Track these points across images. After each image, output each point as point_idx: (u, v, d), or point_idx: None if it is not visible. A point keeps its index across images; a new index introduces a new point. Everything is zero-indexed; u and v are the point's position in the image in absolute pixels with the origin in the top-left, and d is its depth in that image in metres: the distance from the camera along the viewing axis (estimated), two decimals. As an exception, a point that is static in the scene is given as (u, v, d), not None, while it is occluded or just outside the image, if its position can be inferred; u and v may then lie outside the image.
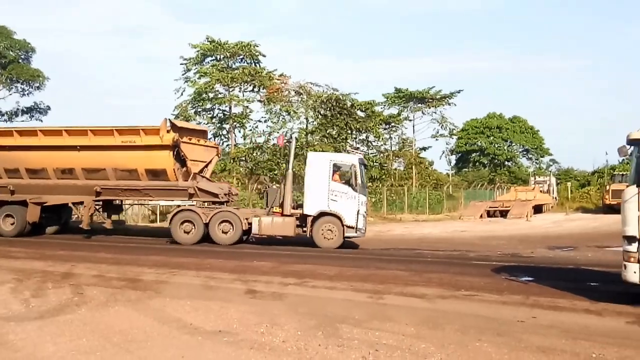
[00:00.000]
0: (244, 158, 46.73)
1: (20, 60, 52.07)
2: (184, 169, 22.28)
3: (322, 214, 21.00)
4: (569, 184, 59.77)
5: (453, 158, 77.18)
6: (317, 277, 13.87)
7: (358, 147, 45.31)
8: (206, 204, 22.83)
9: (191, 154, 22.54)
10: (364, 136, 49.50)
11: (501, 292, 12.07)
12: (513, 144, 73.91)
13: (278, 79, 47.65)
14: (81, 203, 23.28)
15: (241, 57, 48.69)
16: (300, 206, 21.63)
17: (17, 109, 53.07)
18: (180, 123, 23.98)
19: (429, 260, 18.16)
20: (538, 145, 75.19)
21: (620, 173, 45.11)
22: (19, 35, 52.33)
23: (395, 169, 52.06)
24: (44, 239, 23.20)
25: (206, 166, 23.86)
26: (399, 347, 7.82)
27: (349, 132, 46.43)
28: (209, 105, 48.61)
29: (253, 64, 48.77)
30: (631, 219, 10.46)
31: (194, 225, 21.30)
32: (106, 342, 8.10)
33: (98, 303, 10.59)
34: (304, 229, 21.33)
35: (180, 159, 22.11)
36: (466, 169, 79.02)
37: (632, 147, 10.61)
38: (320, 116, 45.67)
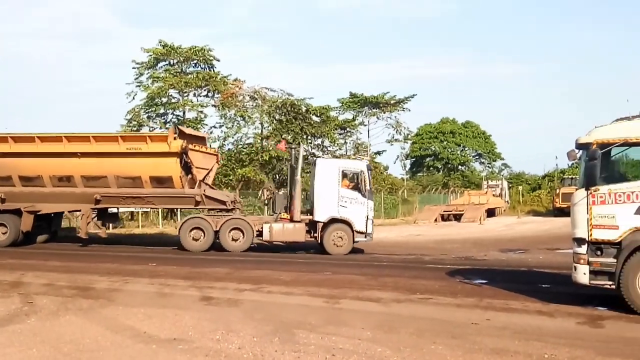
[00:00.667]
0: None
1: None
2: (189, 176, 21.88)
3: (333, 220, 21.07)
4: (520, 187, 60.95)
5: (407, 162, 78.08)
6: (273, 283, 13.82)
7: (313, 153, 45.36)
8: (211, 212, 22.64)
9: (196, 161, 22.19)
10: (319, 141, 49.63)
11: (455, 295, 12.23)
12: (466, 149, 75.09)
13: (232, 84, 47.39)
14: (78, 211, 22.83)
15: (195, 61, 48.27)
16: (309, 212, 21.67)
17: None
18: (186, 130, 23.49)
19: (384, 264, 18.29)
20: (490, 150, 76.53)
21: (570, 177, 46.15)
22: None
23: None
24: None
25: (208, 173, 23.45)
26: (355, 352, 7.85)
27: (304, 137, 46.52)
28: (162, 110, 48.05)
29: (207, 69, 48.41)
30: (580, 222, 10.70)
31: (204, 233, 21.04)
32: (57, 353, 7.95)
33: (48, 312, 10.37)
34: (314, 234, 21.39)
35: (186, 167, 21.71)
36: (420, 174, 79.99)
37: (581, 151, 10.85)
38: (275, 121, 45.66)
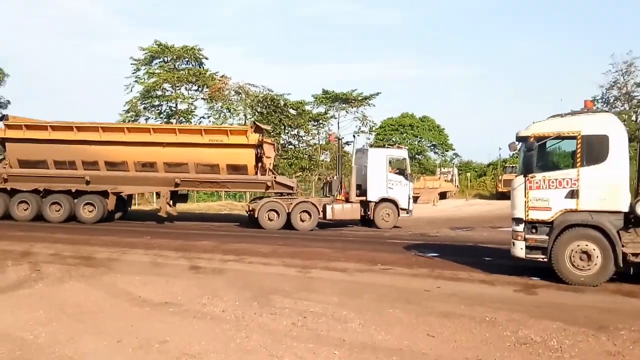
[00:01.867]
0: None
1: (-21, 60, 50.06)
2: (260, 164, 22.08)
3: (382, 200, 22.09)
4: (468, 174, 61.21)
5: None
6: (253, 255, 13.83)
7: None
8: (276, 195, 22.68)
9: (265, 152, 22.53)
10: (295, 131, 49.48)
11: (411, 266, 12.35)
12: (422, 140, 75.08)
13: (219, 80, 47.13)
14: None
15: (186, 59, 48.03)
16: (361, 194, 22.45)
17: None
18: (261, 125, 23.64)
19: (350, 239, 18.37)
20: (443, 141, 76.66)
21: (511, 165, 46.46)
22: None
23: (323, 161, 52.19)
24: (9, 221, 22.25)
25: (271, 161, 23.72)
26: (324, 314, 7.90)
27: (282, 127, 46.42)
28: (157, 102, 47.73)
29: (197, 66, 48.18)
30: (519, 204, 10.86)
31: (278, 214, 21.27)
32: (61, 314, 7.90)
33: (54, 279, 10.29)
34: (367, 212, 22.20)
35: (257, 156, 21.90)
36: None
37: (520, 143, 10.97)
38: (257, 113, 45.44)
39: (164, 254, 13.72)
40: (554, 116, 10.91)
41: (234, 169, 21.87)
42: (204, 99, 47.73)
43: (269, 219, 21.23)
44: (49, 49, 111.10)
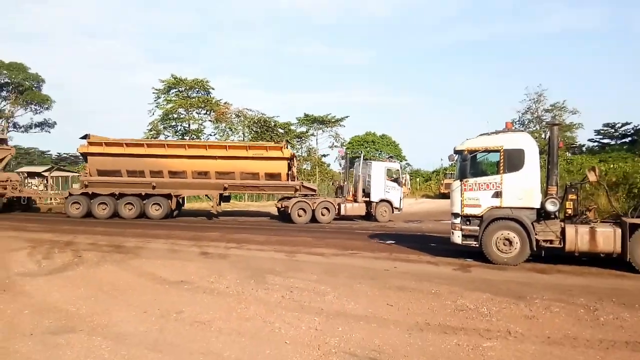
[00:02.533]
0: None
1: (33, 88, 49.73)
2: (289, 172, 22.46)
3: (382, 200, 22.57)
4: (417, 179, 61.53)
5: (343, 162, 77.84)
6: (251, 243, 13.75)
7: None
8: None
9: (293, 162, 23.16)
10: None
11: (374, 251, 12.39)
12: (382, 152, 75.43)
13: (223, 105, 47.06)
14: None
15: (197, 89, 47.92)
16: (365, 196, 22.89)
17: (31, 123, 51.00)
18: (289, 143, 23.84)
19: (327, 230, 18.36)
20: (398, 154, 77.00)
21: (450, 172, 46.83)
22: (32, 69, 50.29)
23: (304, 169, 52.14)
24: (53, 217, 21.79)
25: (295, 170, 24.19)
26: (307, 289, 7.90)
27: (274, 144, 46.42)
28: (173, 123, 47.60)
29: (205, 94, 48.13)
30: (456, 202, 10.97)
31: (305, 211, 21.45)
32: (98, 291, 7.80)
33: (92, 263, 10.13)
34: (369, 209, 22.66)
35: (289, 166, 22.39)
36: (352, 169, 79.84)
37: (457, 155, 11.07)
38: (253, 132, 45.41)
39: (180, 242, 13.59)
40: (482, 134, 11.05)
41: (270, 176, 22.20)
42: (211, 121, 47.70)
43: (298, 215, 21.46)
44: (86, 79, 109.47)
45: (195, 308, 6.80)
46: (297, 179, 23.85)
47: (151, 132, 46.11)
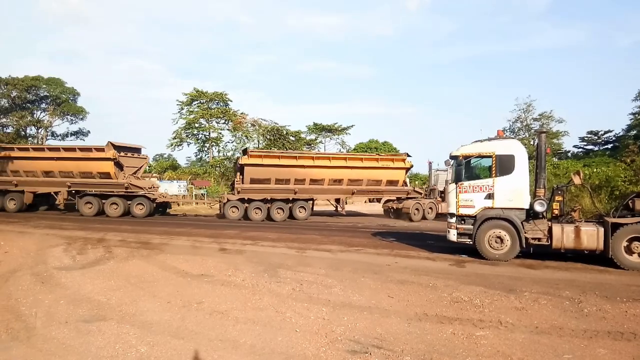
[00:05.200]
0: (218, 165, 45.92)
1: (69, 101, 50.37)
2: (404, 179, 23.88)
3: None
4: (416, 182, 61.27)
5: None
6: (264, 240, 13.75)
7: None
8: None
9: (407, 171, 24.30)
10: (294, 153, 49.54)
11: (377, 248, 12.33)
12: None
13: (240, 116, 47.27)
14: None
15: (216, 101, 48.28)
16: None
17: (67, 132, 52.07)
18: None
19: (333, 228, 18.33)
20: (399, 159, 77.23)
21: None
22: (69, 84, 51.07)
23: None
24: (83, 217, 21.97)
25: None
26: (315, 282, 7.89)
27: (285, 150, 46.36)
28: (195, 132, 47.91)
29: (224, 106, 48.42)
30: (452, 203, 10.92)
31: (418, 210, 22.53)
32: (127, 283, 7.84)
33: (121, 258, 10.19)
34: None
35: (406, 174, 23.97)
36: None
37: (453, 160, 11.03)
38: (266, 140, 45.44)
39: (201, 239, 13.62)
40: (476, 141, 10.99)
41: (390, 183, 23.31)
42: (229, 130, 47.99)
43: (414, 214, 22.40)
44: (117, 93, 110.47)
45: (214, 299, 6.81)
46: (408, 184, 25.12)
47: (175, 140, 46.50)
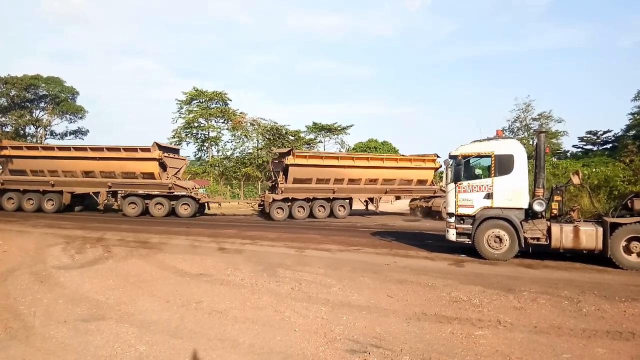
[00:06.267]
0: (217, 165, 45.91)
1: (68, 100, 50.43)
2: (432, 178, 24.56)
3: None
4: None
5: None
6: (264, 239, 13.74)
7: None
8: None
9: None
10: (293, 152, 49.45)
11: (376, 247, 12.33)
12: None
13: (239, 115, 47.14)
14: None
15: (216, 100, 48.12)
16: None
17: (67, 131, 52.07)
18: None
19: (332, 228, 18.32)
20: (398, 159, 77.19)
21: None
22: (68, 83, 51.06)
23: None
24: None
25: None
26: (314, 281, 7.89)
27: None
28: (194, 131, 47.78)
29: (223, 105, 48.28)
30: (451, 202, 10.93)
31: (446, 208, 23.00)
32: (125, 282, 7.83)
33: (120, 257, 10.19)
34: None
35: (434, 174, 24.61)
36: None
37: (452, 160, 11.04)
38: (266, 139, 45.40)
39: (199, 239, 13.61)
40: (475, 141, 11.00)
41: (420, 182, 24.11)
42: (228, 129, 47.83)
43: (444, 212, 22.56)
44: (117, 92, 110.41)
45: (213, 298, 6.81)
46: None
47: (174, 139, 46.42)
